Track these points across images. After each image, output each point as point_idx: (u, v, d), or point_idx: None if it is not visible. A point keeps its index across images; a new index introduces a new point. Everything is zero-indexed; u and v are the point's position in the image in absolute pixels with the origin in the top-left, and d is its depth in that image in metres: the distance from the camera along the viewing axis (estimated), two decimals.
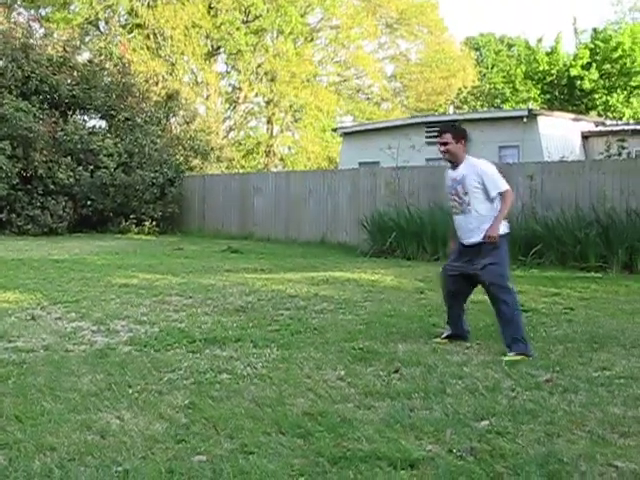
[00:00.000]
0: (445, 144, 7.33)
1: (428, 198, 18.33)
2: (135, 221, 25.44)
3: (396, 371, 6.32)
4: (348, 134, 28.22)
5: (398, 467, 4.21)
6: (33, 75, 25.04)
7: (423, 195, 18.63)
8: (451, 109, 33.65)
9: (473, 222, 7.22)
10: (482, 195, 7.18)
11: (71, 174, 24.44)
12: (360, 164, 24.62)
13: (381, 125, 27.26)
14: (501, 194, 7.16)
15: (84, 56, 30.02)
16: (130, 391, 5.69)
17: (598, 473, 4.16)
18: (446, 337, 7.59)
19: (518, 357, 6.79)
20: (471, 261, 7.28)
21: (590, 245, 14.49)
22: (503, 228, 7.20)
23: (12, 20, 27.93)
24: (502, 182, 7.23)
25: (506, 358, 6.77)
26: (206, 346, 7.28)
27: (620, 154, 16.81)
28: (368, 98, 46.93)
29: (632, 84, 39.47)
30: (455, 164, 7.38)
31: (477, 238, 7.19)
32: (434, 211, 17.51)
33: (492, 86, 49.63)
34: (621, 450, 4.47)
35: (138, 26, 38.67)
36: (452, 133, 7.36)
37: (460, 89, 45.85)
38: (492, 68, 52.00)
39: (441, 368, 6.43)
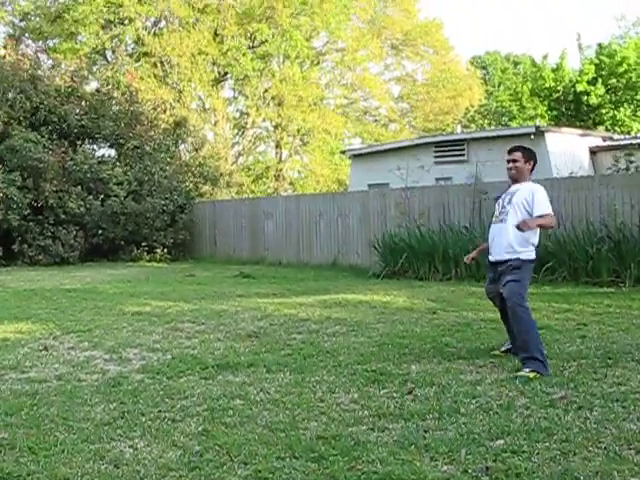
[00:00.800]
0: (515, 161, 7.55)
1: (438, 218, 18.33)
2: (147, 249, 25.47)
3: (410, 392, 6.30)
4: (357, 156, 28.24)
5: None
6: (42, 106, 25.21)
7: (433, 215, 18.62)
8: (459, 128, 33.63)
9: (505, 236, 7.32)
10: (523, 213, 7.28)
11: (82, 203, 24.52)
12: (369, 186, 24.60)
13: (389, 146, 27.26)
14: (543, 216, 7.24)
15: (92, 86, 30.25)
16: (143, 419, 5.69)
17: None
18: (505, 351, 7.62)
19: (531, 374, 6.76)
20: (498, 279, 7.39)
21: (602, 260, 14.44)
22: (531, 254, 7.33)
23: (20, 52, 28.12)
24: (549, 208, 7.33)
25: (520, 374, 6.78)
26: (219, 372, 7.28)
27: (628, 168, 16.79)
28: (376, 120, 47.03)
29: (638, 98, 39.43)
30: (517, 182, 7.56)
31: (503, 257, 7.31)
32: (445, 231, 17.51)
33: (499, 104, 49.64)
34: (638, 467, 4.44)
35: (145, 54, 38.92)
36: (523, 153, 7.62)
37: (467, 108, 45.93)
38: (499, 86, 52.08)
39: (455, 388, 6.41)
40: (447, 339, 8.79)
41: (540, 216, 7.23)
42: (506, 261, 7.27)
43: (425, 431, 5.24)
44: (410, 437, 5.09)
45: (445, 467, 4.54)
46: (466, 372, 7.03)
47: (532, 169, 7.60)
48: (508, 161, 7.59)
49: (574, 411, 5.62)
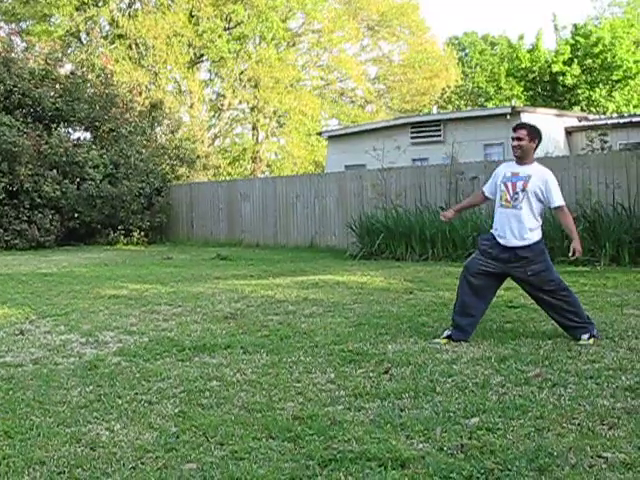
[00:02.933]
0: (519, 139, 7.51)
1: (415, 198, 18.40)
2: (123, 232, 25.40)
3: (386, 372, 6.32)
4: (333, 137, 28.23)
5: (389, 467, 4.21)
6: (15, 89, 24.94)
7: (410, 195, 18.68)
8: (435, 109, 33.68)
9: (516, 224, 7.41)
10: (535, 202, 7.41)
11: (57, 187, 24.36)
12: (346, 167, 24.63)
13: (366, 127, 27.27)
14: (560, 207, 7.50)
15: (66, 68, 29.93)
16: (120, 402, 5.68)
17: (588, 465, 4.17)
18: (447, 337, 7.57)
19: (591, 340, 7.20)
20: (514, 264, 7.44)
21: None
22: (540, 231, 7.51)
23: None
24: (561, 197, 7.52)
25: (581, 342, 7.18)
26: (196, 354, 7.27)
27: (603, 148, 16.87)
28: (352, 101, 46.96)
29: (614, 78, 39.59)
30: (522, 161, 7.56)
31: (519, 242, 7.40)
32: (421, 211, 17.55)
33: (475, 85, 49.72)
34: (610, 441, 4.48)
35: (120, 37, 38.63)
36: (528, 131, 7.58)
37: (444, 89, 45.92)
38: (476, 67, 52.13)
39: (431, 367, 6.44)
40: (423, 319, 8.83)
41: (558, 207, 7.48)
42: (524, 247, 7.38)
43: (401, 410, 5.27)
44: (386, 416, 5.11)
45: (421, 445, 4.56)
46: (442, 351, 7.06)
47: (536, 146, 7.60)
48: (513, 139, 7.57)
49: (549, 388, 5.66)
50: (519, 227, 7.39)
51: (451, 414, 5.12)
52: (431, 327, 8.24)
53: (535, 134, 7.57)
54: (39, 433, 4.96)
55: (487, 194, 7.92)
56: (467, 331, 7.52)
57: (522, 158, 7.54)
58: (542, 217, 7.56)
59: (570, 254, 7.46)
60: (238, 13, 38.99)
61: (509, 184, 7.53)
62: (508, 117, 22.02)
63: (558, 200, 7.44)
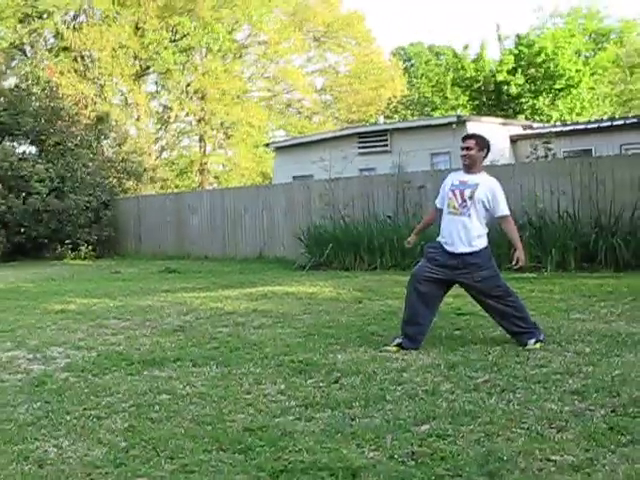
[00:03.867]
0: (468, 148, 7.62)
1: (363, 208, 18.44)
2: (71, 246, 25.11)
3: (336, 381, 6.32)
4: (280, 149, 28.24)
5: (340, 476, 4.21)
6: None
7: (358, 205, 18.71)
8: (381, 119, 33.79)
9: (464, 231, 7.49)
10: (482, 210, 7.52)
11: (2, 201, 24.04)
12: (294, 178, 24.65)
13: (313, 138, 27.29)
14: (506, 217, 7.66)
15: (10, 81, 29.60)
16: (68, 418, 5.61)
17: (537, 468, 4.21)
18: (397, 345, 7.58)
19: (538, 345, 7.32)
20: (462, 271, 7.51)
21: (524, 247, 14.65)
22: (486, 239, 7.60)
23: None
24: (507, 207, 7.67)
25: (528, 347, 7.27)
26: (145, 368, 7.21)
27: (547, 155, 17.08)
28: (299, 112, 47.03)
29: (556, 87, 40.02)
30: (470, 170, 7.66)
31: (466, 249, 7.48)
32: (369, 221, 17.61)
33: (422, 95, 50.04)
34: (558, 444, 4.53)
35: (65, 49, 38.27)
36: (477, 141, 7.69)
37: (390, 99, 46.12)
38: (422, 77, 52.47)
39: (380, 375, 6.45)
40: (373, 328, 8.86)
41: (503, 217, 7.63)
42: (472, 253, 7.46)
43: (352, 419, 5.27)
44: (336, 425, 5.10)
45: (372, 454, 4.56)
46: (392, 359, 7.08)
47: (485, 156, 7.71)
48: (462, 148, 7.68)
49: (497, 394, 5.71)
50: (467, 234, 7.46)
51: (401, 422, 5.13)
52: (380, 336, 8.26)
53: (483, 144, 7.68)
54: None
55: (440, 207, 7.98)
56: (417, 340, 7.55)
57: (470, 167, 7.63)
58: (488, 225, 7.63)
59: (513, 263, 7.54)
60: (184, 25, 38.88)
61: (457, 191, 7.60)
62: (454, 126, 22.18)
63: (504, 209, 7.56)
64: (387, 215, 17.49)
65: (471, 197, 7.48)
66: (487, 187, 7.51)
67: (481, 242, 7.50)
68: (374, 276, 15.02)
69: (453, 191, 7.64)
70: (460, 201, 7.55)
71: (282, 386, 6.27)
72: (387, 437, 4.81)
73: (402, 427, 5.01)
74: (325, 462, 4.39)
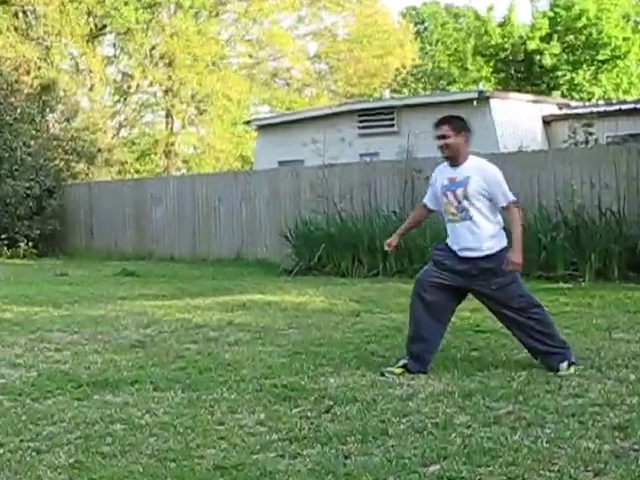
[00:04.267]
0: (444, 137, 7.58)
1: (363, 201, 18.42)
2: (7, 242, 25.04)
3: (327, 411, 6.32)
4: (264, 127, 28.22)
5: None
6: None
7: (357, 197, 18.70)
8: (387, 93, 33.77)
9: (472, 236, 7.49)
10: (485, 204, 7.49)
11: None
12: (280, 163, 24.64)
13: (304, 115, 27.31)
14: (507, 206, 7.53)
15: None
16: (1, 451, 5.59)
17: None
18: (403, 366, 7.59)
19: (572, 369, 7.35)
20: (475, 278, 7.52)
21: (558, 251, 14.69)
22: (504, 236, 7.58)
23: None
24: (508, 191, 7.57)
25: (560, 373, 7.26)
26: (95, 391, 7.19)
27: (587, 141, 17.09)
28: (287, 84, 47.03)
29: (599, 58, 40.11)
30: (455, 161, 7.63)
31: (478, 253, 7.47)
32: (371, 217, 17.61)
33: (437, 65, 50.16)
34: None
35: (3, 2, 38.16)
36: (451, 125, 7.64)
37: (398, 69, 46.15)
38: (437, 44, 52.52)
39: (381, 404, 6.46)
40: (373, 346, 8.88)
41: (504, 207, 7.52)
42: (485, 257, 7.45)
43: (346, 457, 5.25)
44: (327, 464, 5.09)
45: None
46: (395, 385, 7.09)
47: (466, 140, 7.66)
48: (437, 137, 7.65)
49: (523, 429, 5.71)
50: (476, 239, 7.47)
51: (406, 461, 5.12)
52: (382, 357, 8.27)
53: (460, 126, 7.67)
54: None
55: (430, 206, 8.02)
56: (424, 360, 7.56)
57: (454, 158, 7.61)
58: (501, 214, 7.64)
59: (504, 265, 7.42)
60: None
61: (449, 194, 7.59)
62: (475, 103, 22.23)
63: (503, 199, 7.50)
64: (392, 210, 17.49)
65: (466, 196, 7.46)
66: (479, 177, 7.47)
67: (496, 243, 7.50)
68: (375, 284, 15.04)
69: (445, 194, 7.63)
70: (456, 204, 7.54)
71: (262, 416, 6.27)
72: (389, 479, 4.81)
73: (407, 467, 5.00)
74: None
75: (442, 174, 7.76)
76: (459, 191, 7.51)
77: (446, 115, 8.06)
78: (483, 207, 7.47)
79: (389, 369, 7.55)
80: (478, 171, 7.52)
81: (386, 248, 8.64)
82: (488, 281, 7.48)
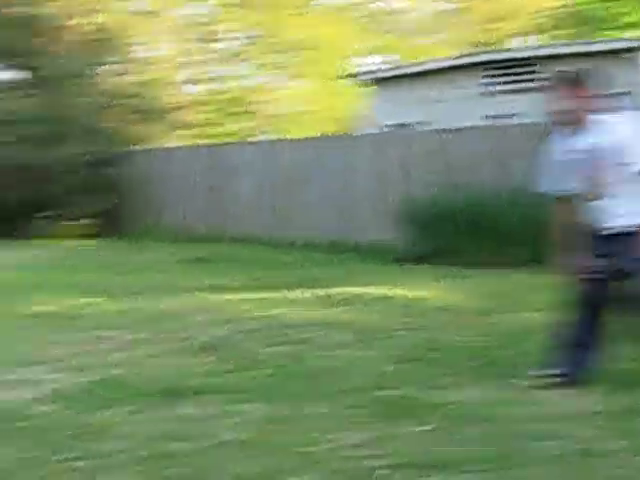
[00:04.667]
0: (559, 101, 7.38)
1: (492, 174, 18.24)
2: (56, 220, 25.43)
3: (446, 430, 6.23)
4: (368, 83, 28.12)
5: None
6: None
7: (488, 169, 18.53)
8: (517, 42, 33.35)
9: (616, 206, 7.32)
10: (622, 170, 7.28)
11: None
12: (388, 126, 24.55)
13: (417, 69, 27.13)
14: None
15: None
16: (43, 472, 5.60)
17: None
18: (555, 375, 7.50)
19: None
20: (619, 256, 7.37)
21: None
22: None
23: None
24: None
25: None
26: (158, 402, 7.23)
27: None
28: (401, 29, 46.88)
29: None
30: (576, 127, 7.43)
31: (628, 221, 7.30)
32: (502, 194, 17.42)
33: (582, 6, 49.56)
34: None
35: None
36: (567, 84, 7.44)
37: (535, 12, 45.70)
38: None
39: (515, 425, 6.35)
40: (503, 352, 8.82)
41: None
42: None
43: None
44: None
45: None
46: (533, 402, 7.00)
47: (589, 99, 7.41)
48: (550, 103, 7.47)
49: None
50: (624, 209, 7.30)
51: None
52: (515, 365, 8.15)
53: (579, 84, 7.41)
54: None
55: (559, 191, 7.69)
56: (575, 371, 7.45)
57: (577, 122, 7.39)
58: None
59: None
60: None
61: (578, 170, 7.37)
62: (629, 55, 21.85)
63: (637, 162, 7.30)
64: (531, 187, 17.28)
65: (600, 167, 7.27)
66: (609, 138, 7.23)
67: None
68: (508, 275, 14.88)
69: (570, 168, 7.40)
70: (592, 179, 7.34)
71: (365, 435, 6.20)
72: None
73: None
74: None
75: (562, 146, 7.58)
76: (589, 162, 7.30)
77: (559, 71, 7.90)
78: (623, 174, 7.27)
79: (527, 383, 7.46)
80: (606, 133, 7.29)
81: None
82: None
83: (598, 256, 7.46)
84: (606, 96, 7.52)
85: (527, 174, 17.54)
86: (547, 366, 7.59)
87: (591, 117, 7.36)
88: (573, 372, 7.45)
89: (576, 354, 7.50)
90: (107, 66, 30.59)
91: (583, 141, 7.36)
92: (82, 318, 11.33)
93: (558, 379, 7.38)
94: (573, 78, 7.52)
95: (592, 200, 7.40)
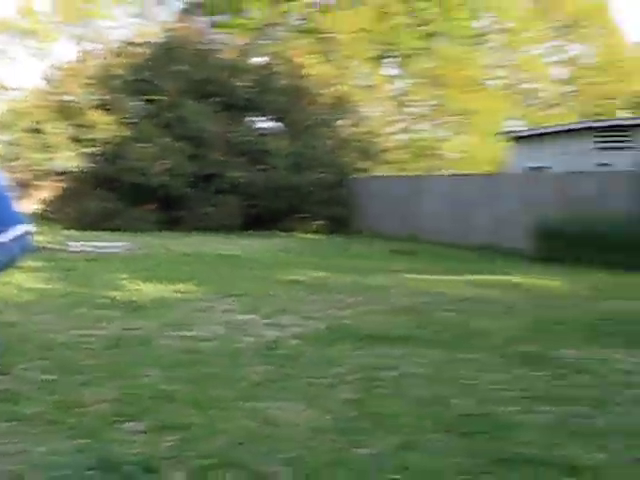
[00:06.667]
0: None
1: (599, 205, 17.70)
2: (304, 221, 25.90)
3: (562, 377, 6.16)
4: (517, 138, 27.67)
5: (564, 473, 4.10)
6: (210, 79, 25.84)
7: (594, 202, 18.00)
8: (621, 114, 32.21)
9: None
10: None
11: (243, 174, 25.05)
12: (528, 169, 24.12)
13: (551, 130, 26.57)
14: None
15: (258, 60, 30.72)
16: (298, 383, 5.78)
17: None
18: None
19: None
20: None
21: None
22: None
23: (191, 27, 28.93)
24: None
25: None
26: (371, 343, 7.30)
27: None
28: (537, 103, 45.94)
29: None
30: None
31: None
32: (607, 217, 16.87)
33: None
34: None
35: (310, 31, 39.15)
36: None
37: (637, 92, 44.06)
38: None
39: (611, 377, 6.23)
40: (609, 329, 8.44)
41: None
42: None
43: (575, 417, 5.08)
44: (559, 422, 4.96)
45: (594, 455, 4.36)
46: (624, 361, 6.83)
47: None
48: None
49: None
50: None
51: (630, 427, 4.92)
52: (614, 336, 7.94)
53: None
54: (221, 405, 5.11)
55: None
56: None
57: None
58: None
59: None
60: (428, 11, 38.87)
61: None
62: None
63: None
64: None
65: None
66: None
67: None
68: (614, 275, 14.34)
69: None
70: None
71: (507, 376, 6.18)
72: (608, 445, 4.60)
73: (630, 433, 4.80)
74: (545, 457, 4.29)
75: None
76: None
77: None
78: None
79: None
80: None
81: None
82: None
83: None
84: None
85: (624, 206, 17.20)
86: None
87: None
88: None
89: None
90: (342, 120, 30.89)
91: None
92: (321, 286, 11.46)
93: None
94: None
95: None
